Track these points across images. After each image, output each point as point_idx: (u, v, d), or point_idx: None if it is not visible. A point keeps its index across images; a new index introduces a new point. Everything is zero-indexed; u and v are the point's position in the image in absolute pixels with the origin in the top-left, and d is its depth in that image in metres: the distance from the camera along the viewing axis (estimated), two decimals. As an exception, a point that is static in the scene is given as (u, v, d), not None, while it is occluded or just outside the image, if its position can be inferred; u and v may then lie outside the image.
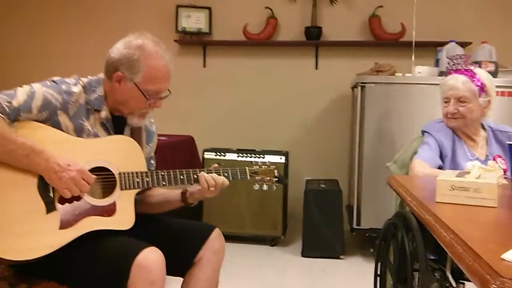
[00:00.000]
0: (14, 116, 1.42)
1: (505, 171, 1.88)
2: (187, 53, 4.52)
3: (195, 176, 1.65)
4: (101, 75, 1.63)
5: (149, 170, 1.70)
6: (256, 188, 1.76)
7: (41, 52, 4.66)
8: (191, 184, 1.67)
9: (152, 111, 1.68)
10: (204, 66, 4.52)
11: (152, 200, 1.78)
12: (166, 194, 1.77)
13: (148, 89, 1.55)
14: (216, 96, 4.49)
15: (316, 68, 4.37)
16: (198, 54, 4.51)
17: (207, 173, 1.65)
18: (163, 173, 1.61)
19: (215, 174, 1.66)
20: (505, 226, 1.19)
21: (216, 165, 1.71)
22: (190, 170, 1.65)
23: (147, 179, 1.58)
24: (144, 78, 1.54)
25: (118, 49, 1.56)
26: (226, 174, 1.68)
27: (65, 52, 4.61)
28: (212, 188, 1.64)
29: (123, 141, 1.61)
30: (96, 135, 1.57)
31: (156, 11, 4.52)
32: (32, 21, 4.72)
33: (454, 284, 1.56)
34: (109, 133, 1.61)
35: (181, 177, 1.63)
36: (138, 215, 1.58)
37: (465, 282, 1.60)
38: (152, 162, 1.83)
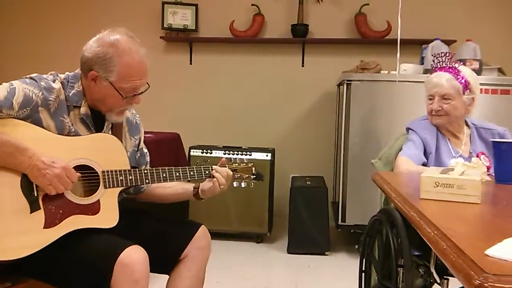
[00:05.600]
0: None
1: (488, 168, 1.90)
2: (173, 50, 4.50)
3: (177, 174, 1.65)
4: (78, 71, 1.60)
5: (143, 162, 1.79)
6: (235, 185, 1.79)
7: (29, 52, 4.61)
8: (173, 180, 1.67)
9: (132, 107, 1.66)
10: (191, 63, 4.50)
11: (165, 191, 1.80)
12: (178, 187, 1.79)
13: (124, 86, 1.52)
14: (202, 93, 4.48)
15: (303, 66, 4.38)
16: (184, 51, 4.49)
17: (189, 170, 1.68)
18: (145, 171, 1.61)
19: (224, 168, 1.72)
20: (488, 222, 1.20)
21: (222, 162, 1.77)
22: (173, 168, 1.65)
23: (130, 177, 1.58)
24: (119, 76, 1.51)
25: (91, 47, 1.53)
26: (207, 172, 1.70)
27: (52, 51, 4.56)
28: (222, 186, 1.70)
29: (106, 139, 1.60)
30: (77, 132, 1.55)
31: (142, 8, 4.49)
32: (20, 22, 4.66)
33: (438, 280, 1.57)
34: (89, 129, 1.59)
35: (164, 175, 1.63)
36: (124, 213, 1.56)
37: (449, 277, 1.61)
38: (145, 150, 1.84)
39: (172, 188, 1.79)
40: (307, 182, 3.69)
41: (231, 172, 1.73)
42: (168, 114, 4.44)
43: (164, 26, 4.36)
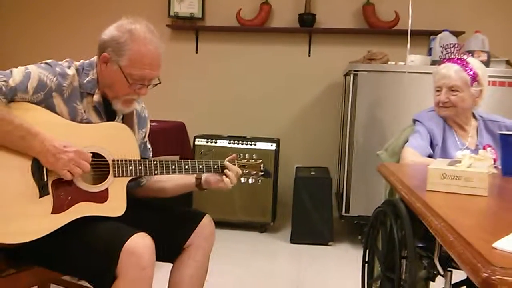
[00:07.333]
0: (11, 96, 1.39)
1: (495, 160, 1.89)
2: (180, 38, 4.48)
3: (186, 167, 1.65)
4: (94, 59, 1.60)
5: (145, 156, 1.75)
6: (243, 181, 1.78)
7: (32, 44, 4.59)
8: (182, 173, 1.66)
9: (138, 97, 1.65)
10: (197, 51, 4.48)
11: (165, 184, 1.79)
12: (179, 179, 1.78)
13: (132, 73, 1.51)
14: (208, 82, 4.47)
15: (309, 55, 4.35)
16: (190, 39, 4.47)
17: (198, 163, 1.67)
18: (155, 162, 1.61)
19: (235, 167, 1.71)
20: (495, 214, 1.20)
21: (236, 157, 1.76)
22: (182, 160, 1.65)
23: (140, 167, 1.58)
24: (129, 62, 1.50)
25: (109, 30, 1.54)
26: (215, 166, 1.70)
27: (56, 41, 4.54)
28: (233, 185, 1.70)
29: (118, 128, 1.59)
30: (89, 120, 1.55)
31: (149, -5, 4.47)
32: (23, 12, 4.64)
33: (441, 272, 1.57)
34: (101, 117, 1.59)
35: (173, 167, 1.63)
36: (129, 201, 1.57)
37: (453, 269, 1.61)
38: (148, 146, 1.83)
39: (172, 181, 1.78)
40: (312, 173, 3.69)
41: (241, 171, 1.73)
42: (173, 103, 4.44)
43: (171, 14, 4.34)
